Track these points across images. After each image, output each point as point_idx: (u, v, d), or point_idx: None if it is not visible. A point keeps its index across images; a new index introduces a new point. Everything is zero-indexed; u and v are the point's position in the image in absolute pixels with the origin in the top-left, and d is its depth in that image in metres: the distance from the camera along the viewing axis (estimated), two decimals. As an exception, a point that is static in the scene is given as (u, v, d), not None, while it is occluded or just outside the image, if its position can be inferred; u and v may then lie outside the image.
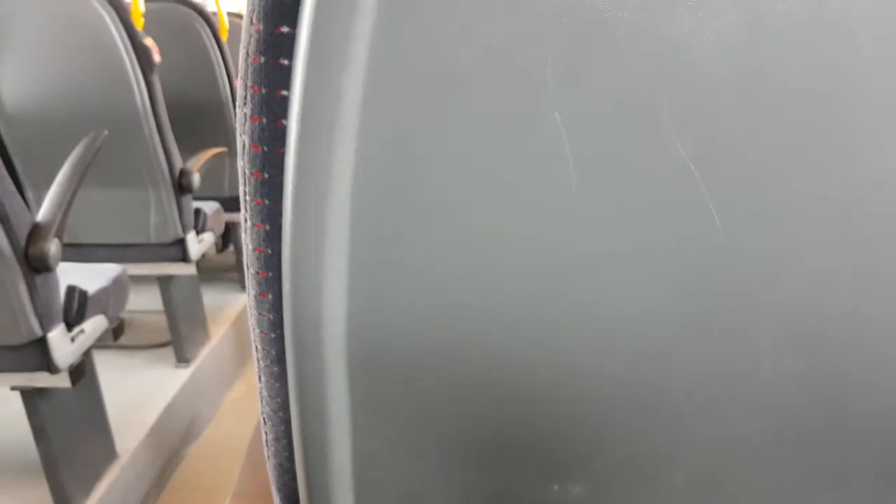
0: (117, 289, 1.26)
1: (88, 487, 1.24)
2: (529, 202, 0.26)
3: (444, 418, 0.31)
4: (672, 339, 0.28)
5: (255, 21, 0.26)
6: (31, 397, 1.13)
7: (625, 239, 0.26)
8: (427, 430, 0.32)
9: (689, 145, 0.24)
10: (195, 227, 1.65)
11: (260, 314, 0.31)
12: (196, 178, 1.56)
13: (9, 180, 1.00)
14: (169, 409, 1.52)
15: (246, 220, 0.30)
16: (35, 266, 1.02)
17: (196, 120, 1.82)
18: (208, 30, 1.85)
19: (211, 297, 1.93)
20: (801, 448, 0.30)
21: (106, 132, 1.19)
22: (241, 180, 0.29)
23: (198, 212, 1.66)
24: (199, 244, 1.65)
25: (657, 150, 0.24)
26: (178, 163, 1.54)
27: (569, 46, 0.23)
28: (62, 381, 1.12)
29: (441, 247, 0.27)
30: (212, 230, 1.73)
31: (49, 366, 1.08)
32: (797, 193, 0.25)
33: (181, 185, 1.54)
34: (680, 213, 0.25)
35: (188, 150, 1.62)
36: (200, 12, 1.85)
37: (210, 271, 1.89)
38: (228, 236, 2.05)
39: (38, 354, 1.07)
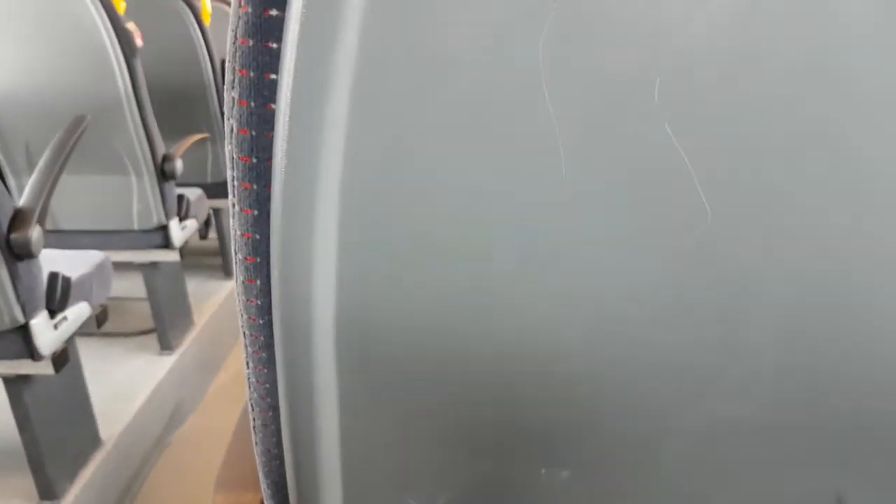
0: (100, 275, 1.25)
1: (73, 475, 1.23)
2: (519, 186, 0.26)
3: (431, 401, 0.32)
4: (659, 325, 0.28)
5: (243, 4, 0.26)
6: (14, 385, 1.12)
7: (614, 224, 0.26)
8: (415, 412, 0.32)
9: (680, 130, 0.24)
10: (178, 214, 1.63)
11: (248, 300, 0.31)
12: (179, 165, 1.54)
13: (-11, 166, 0.98)
14: (153, 396, 1.51)
15: (234, 206, 0.30)
16: (17, 252, 1.01)
17: (178, 105, 1.80)
18: (190, 14, 1.82)
19: (195, 283, 1.92)
20: (783, 433, 0.30)
21: (88, 117, 1.17)
22: (228, 165, 0.29)
23: (181, 198, 1.65)
24: (182, 231, 1.64)
25: (648, 134, 0.24)
26: (161, 149, 1.53)
27: (558, 31, 0.23)
28: (45, 368, 1.11)
29: (430, 232, 0.27)
30: (195, 217, 1.72)
31: (32, 353, 1.07)
32: (790, 179, 0.25)
33: (164, 172, 1.52)
34: (670, 199, 0.25)
35: (171, 137, 1.60)
36: (183, -4, 1.82)
37: (194, 258, 1.88)
38: (211, 223, 2.03)
39: (20, 341, 1.06)
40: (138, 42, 1.39)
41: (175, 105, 1.78)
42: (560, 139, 0.25)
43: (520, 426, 0.32)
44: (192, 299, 1.82)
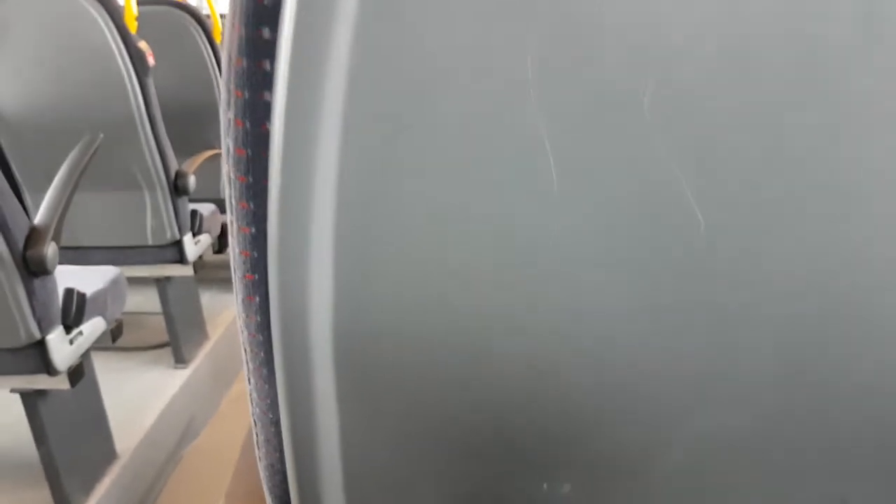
0: (115, 291, 1.26)
1: (88, 488, 1.24)
2: (511, 198, 0.26)
3: (431, 417, 0.32)
4: (654, 336, 0.28)
5: (237, 25, 0.26)
6: (30, 399, 1.13)
7: (606, 235, 0.26)
8: (415, 429, 0.32)
9: (670, 140, 0.24)
10: (192, 229, 1.65)
11: (248, 317, 0.32)
12: (192, 181, 1.56)
13: (6, 184, 1.00)
14: (167, 410, 1.52)
15: (232, 224, 0.30)
16: (33, 269, 1.03)
17: (191, 122, 1.82)
18: (202, 32, 1.85)
19: (208, 297, 1.93)
20: (784, 443, 0.30)
21: (101, 135, 1.19)
22: (226, 184, 0.29)
23: (194, 213, 1.67)
24: (195, 246, 1.66)
25: (638, 144, 0.24)
26: (174, 165, 1.55)
27: (547, 43, 0.23)
28: (61, 382, 1.12)
29: (424, 247, 0.27)
30: (208, 232, 1.74)
31: (48, 368, 1.08)
32: (782, 187, 0.25)
33: (177, 188, 1.54)
34: (662, 209, 0.26)
35: (184, 153, 1.62)
36: (194, 15, 1.85)
37: (207, 272, 1.89)
38: (225, 237, 2.05)
39: (36, 357, 1.08)
40: (150, 61, 1.41)
41: (188, 122, 1.80)
42: (551, 152, 0.25)
43: (520, 439, 0.32)
44: (205, 313, 1.84)
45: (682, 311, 0.27)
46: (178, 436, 1.53)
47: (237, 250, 0.30)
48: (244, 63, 0.27)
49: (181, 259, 1.62)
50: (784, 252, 0.26)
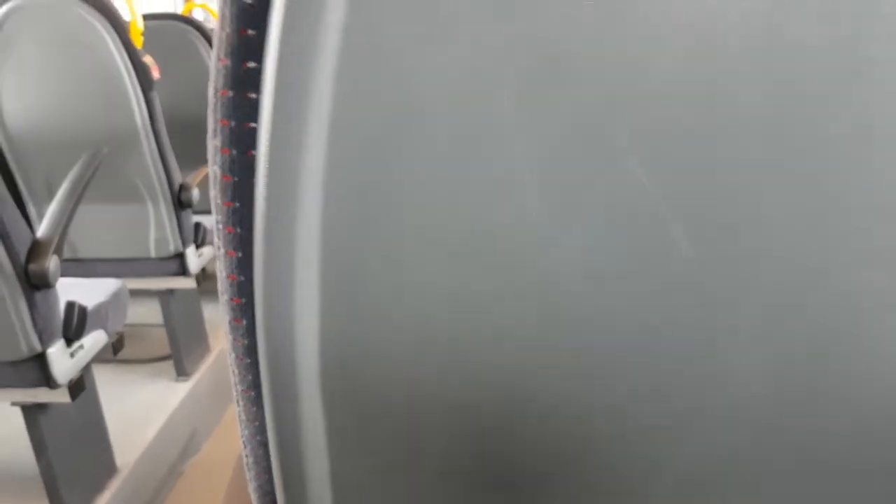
0: (116, 303, 1.27)
1: (88, 502, 1.24)
2: (494, 223, 0.26)
3: (420, 437, 0.32)
4: (648, 352, 0.28)
5: (222, 57, 0.27)
6: (31, 412, 1.13)
7: (593, 253, 0.26)
8: (404, 450, 0.32)
9: (646, 163, 0.24)
10: (195, 242, 1.66)
11: (235, 340, 0.32)
12: (195, 193, 1.57)
13: (9, 196, 1.01)
14: (169, 423, 1.52)
15: (219, 248, 0.30)
16: (35, 282, 1.03)
17: (195, 135, 1.82)
18: (207, 45, 1.86)
19: (211, 310, 1.94)
20: (778, 461, 0.30)
21: (105, 149, 1.20)
22: (213, 209, 0.30)
23: (197, 226, 1.67)
24: (198, 258, 1.66)
25: (615, 169, 0.25)
26: (178, 178, 1.56)
27: (525, 72, 0.24)
28: (62, 396, 1.13)
29: (409, 269, 0.28)
30: (211, 244, 1.74)
31: (49, 381, 1.08)
32: (771, 203, 0.25)
33: (181, 200, 1.55)
34: (642, 230, 0.26)
35: (187, 166, 1.63)
36: (199, 28, 1.86)
37: (210, 284, 1.90)
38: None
39: (37, 370, 1.08)
40: (155, 75, 1.42)
41: (191, 134, 1.80)
42: (533, 173, 0.25)
43: (512, 459, 0.32)
44: (207, 326, 1.84)
45: (673, 328, 0.27)
46: (179, 450, 1.53)
47: (224, 274, 0.31)
48: (230, 94, 0.27)
49: (184, 271, 1.62)
50: (779, 270, 0.26)
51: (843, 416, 0.29)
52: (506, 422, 0.31)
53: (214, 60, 0.27)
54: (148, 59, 1.40)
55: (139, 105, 1.41)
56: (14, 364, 1.07)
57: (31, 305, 1.04)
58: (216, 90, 0.27)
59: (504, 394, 0.30)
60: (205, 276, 1.70)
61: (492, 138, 0.25)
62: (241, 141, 0.28)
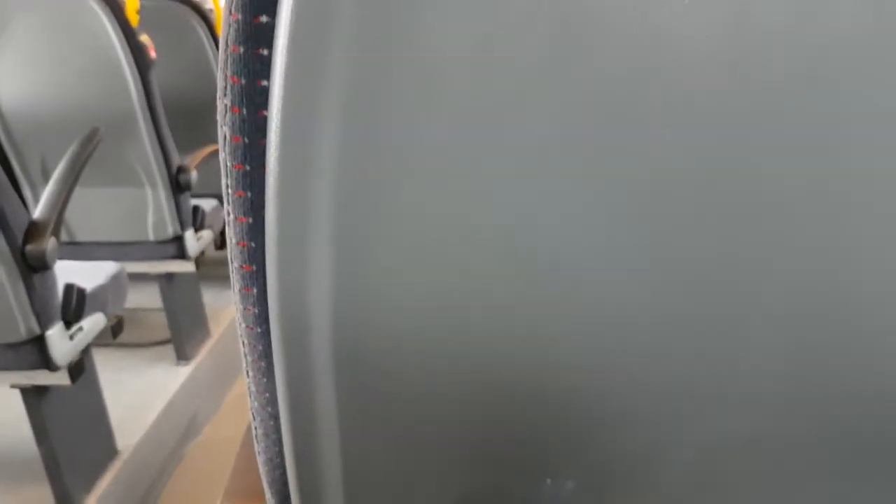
0: (115, 286, 1.26)
1: (89, 485, 1.24)
2: (514, 197, 0.26)
3: (432, 411, 0.31)
4: (660, 336, 0.28)
5: (233, 11, 0.26)
6: (30, 395, 1.13)
7: (610, 235, 0.26)
8: (416, 423, 0.32)
9: (674, 139, 0.24)
10: (193, 225, 1.65)
11: (245, 308, 0.31)
12: (193, 176, 1.56)
13: (5, 178, 1.00)
14: (169, 407, 1.52)
15: (229, 214, 0.29)
16: (32, 264, 1.02)
17: (193, 117, 1.81)
18: (205, 26, 1.84)
19: (211, 294, 1.93)
20: (789, 447, 0.30)
21: (102, 130, 1.18)
22: (223, 172, 0.29)
23: (196, 209, 1.66)
24: (197, 241, 1.65)
25: (642, 143, 0.24)
26: (176, 160, 1.54)
27: (550, 39, 0.23)
28: (61, 378, 1.12)
29: (425, 240, 0.27)
30: (210, 227, 1.73)
31: (48, 363, 1.08)
32: (785, 189, 0.24)
33: (179, 183, 1.54)
34: (667, 209, 0.25)
35: (185, 148, 1.62)
36: (196, 9, 1.84)
37: (209, 268, 1.89)
38: (227, 233, 2.04)
39: (36, 352, 1.07)
40: (152, 55, 1.40)
41: (189, 116, 1.80)
42: (554, 155, 0.24)
43: (523, 440, 0.31)
44: (207, 309, 1.83)
45: (688, 310, 0.27)
46: (180, 433, 1.53)
47: (234, 240, 0.30)
48: (240, 50, 0.26)
49: (183, 255, 1.61)
50: (790, 256, 0.26)
51: (861, 399, 0.28)
52: (516, 400, 0.30)
53: (225, 15, 0.26)
54: (145, 38, 1.38)
55: (136, 85, 1.39)
56: (13, 346, 1.06)
57: (30, 287, 1.03)
58: (227, 46, 0.26)
59: (515, 373, 0.29)
60: (203, 260, 1.69)
61: (514, 107, 0.24)
62: (252, 99, 0.27)
